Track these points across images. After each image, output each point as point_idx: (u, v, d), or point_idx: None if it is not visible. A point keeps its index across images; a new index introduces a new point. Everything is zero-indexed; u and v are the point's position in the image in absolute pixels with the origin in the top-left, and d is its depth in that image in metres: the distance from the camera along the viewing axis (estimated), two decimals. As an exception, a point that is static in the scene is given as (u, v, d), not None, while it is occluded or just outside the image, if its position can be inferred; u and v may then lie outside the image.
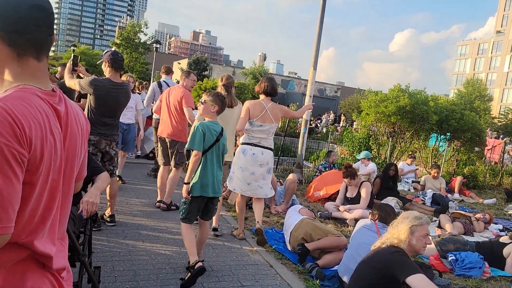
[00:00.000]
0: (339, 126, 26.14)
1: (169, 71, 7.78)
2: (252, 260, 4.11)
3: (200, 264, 3.33)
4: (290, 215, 4.82)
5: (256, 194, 4.71)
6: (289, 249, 4.46)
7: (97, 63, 4.41)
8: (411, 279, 2.57)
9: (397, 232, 2.87)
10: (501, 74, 69.33)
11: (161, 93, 6.74)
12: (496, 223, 6.81)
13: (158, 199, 5.53)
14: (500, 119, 49.15)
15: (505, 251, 4.72)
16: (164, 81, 7.44)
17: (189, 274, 3.30)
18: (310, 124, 18.31)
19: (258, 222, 4.66)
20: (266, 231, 5.02)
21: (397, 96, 10.29)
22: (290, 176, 6.44)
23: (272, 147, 4.76)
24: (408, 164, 10.09)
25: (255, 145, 4.61)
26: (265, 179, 4.72)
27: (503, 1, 73.42)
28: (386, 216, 3.77)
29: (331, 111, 33.45)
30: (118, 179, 5.82)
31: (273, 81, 4.77)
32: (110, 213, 4.54)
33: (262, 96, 4.71)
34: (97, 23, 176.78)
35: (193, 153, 3.45)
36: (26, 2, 1.03)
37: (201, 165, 3.50)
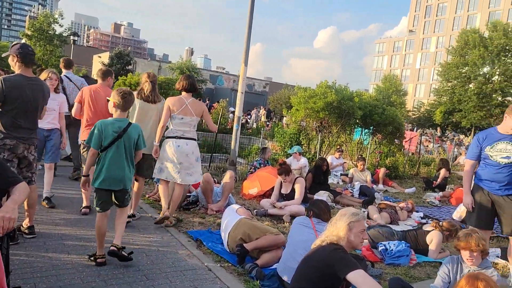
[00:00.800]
0: (269, 122, 26.56)
1: (69, 65, 7.05)
2: (189, 265, 3.96)
3: (101, 260, 3.64)
4: (227, 215, 4.73)
5: (186, 181, 5.10)
6: (228, 250, 4.37)
7: (2, 56, 3.92)
8: (351, 276, 2.60)
9: (336, 230, 2.91)
10: (414, 71, 75.34)
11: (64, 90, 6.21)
12: (417, 211, 7.32)
13: (84, 204, 5.15)
14: (414, 112, 53.43)
15: (428, 238, 5.06)
16: (65, 75, 6.73)
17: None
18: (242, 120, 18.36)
19: (168, 209, 5.00)
20: (203, 232, 4.89)
21: (325, 92, 10.64)
22: (228, 173, 6.33)
23: (196, 138, 5.18)
24: (337, 158, 10.51)
25: (179, 138, 4.97)
26: (194, 167, 5.11)
27: (414, 2, 79.67)
28: (321, 212, 3.84)
29: (261, 106, 33.90)
30: (46, 202, 5.23)
31: (192, 79, 5.19)
32: (28, 224, 4.10)
33: (183, 93, 5.09)
34: (3, 12, 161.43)
35: (90, 149, 3.70)
36: None
37: (101, 160, 3.69)
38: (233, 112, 18.26)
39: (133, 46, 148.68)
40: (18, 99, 3.68)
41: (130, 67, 42.35)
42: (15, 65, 3.78)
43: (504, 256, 5.08)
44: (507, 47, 40.40)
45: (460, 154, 17.89)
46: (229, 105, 24.41)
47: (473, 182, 4.53)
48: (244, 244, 4.09)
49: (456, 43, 44.41)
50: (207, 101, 26.61)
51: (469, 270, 3.27)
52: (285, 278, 3.57)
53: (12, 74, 3.84)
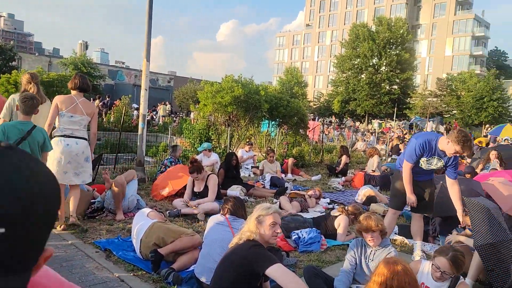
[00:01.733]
0: (176, 117, 25.97)
1: None
2: (99, 278, 3.66)
3: None
4: (138, 220, 4.47)
5: (73, 181, 4.90)
6: (141, 257, 4.14)
7: None
8: (269, 271, 2.62)
9: (248, 225, 2.91)
10: (312, 63, 79.64)
11: None
12: (324, 197, 7.73)
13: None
14: (315, 103, 56.60)
15: (336, 222, 5.36)
16: None
17: None
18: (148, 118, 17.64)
19: (72, 215, 4.79)
20: (112, 241, 4.57)
21: (232, 86, 10.68)
22: (118, 178, 5.70)
23: (86, 137, 5.03)
24: (247, 151, 10.64)
25: (68, 136, 4.81)
26: (83, 166, 4.93)
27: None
28: (235, 209, 3.83)
29: (166, 102, 33.00)
30: None
31: (85, 78, 5.06)
32: None
33: (74, 92, 4.93)
34: None
35: None
36: None
37: None
38: (137, 109, 17.46)
39: (17, 40, 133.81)
40: None
41: (14, 63, 38.16)
42: None
43: (401, 233, 5.60)
44: (391, 40, 44.73)
45: (357, 140, 19.41)
46: (132, 101, 23.31)
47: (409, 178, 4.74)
48: (159, 249, 3.90)
49: (348, 36, 47.97)
50: (107, 98, 24.99)
51: (371, 251, 3.52)
52: (203, 279, 3.48)
53: None
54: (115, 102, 21.33)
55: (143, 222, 4.34)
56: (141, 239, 4.14)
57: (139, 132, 8.12)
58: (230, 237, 3.35)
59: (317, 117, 43.71)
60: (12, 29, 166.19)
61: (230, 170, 7.75)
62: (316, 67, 79.16)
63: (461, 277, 3.10)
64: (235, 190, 7.10)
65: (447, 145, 4.23)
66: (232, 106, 10.63)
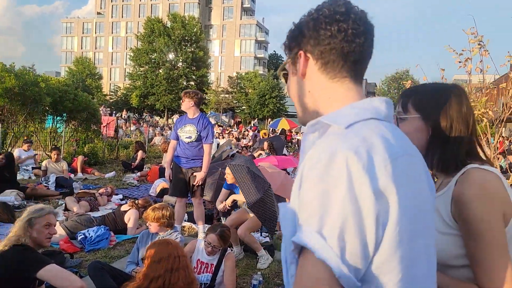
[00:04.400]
0: None
1: None
2: None
3: None
4: None
5: None
6: None
7: None
8: (42, 273, 2.51)
9: (16, 229, 2.71)
10: (107, 54, 75.34)
11: None
12: (117, 194, 7.57)
13: None
14: (111, 96, 53.97)
15: (126, 217, 5.37)
16: None
17: None
18: None
19: None
20: None
21: (2, 76, 9.23)
22: None
23: None
24: (26, 150, 9.41)
25: None
26: None
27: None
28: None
29: None
30: None
31: None
32: None
33: None
34: None
35: None
36: None
37: None
38: None
39: None
40: None
41: None
42: None
43: (189, 219, 6.00)
44: (186, 37, 46.43)
45: (156, 135, 19.55)
46: None
47: None
48: None
49: (144, 30, 47.44)
50: None
51: (159, 237, 3.71)
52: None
53: None
54: None
55: None
56: None
57: None
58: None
59: (114, 112, 41.87)
60: None
61: (1, 173, 6.75)
62: (111, 59, 75.28)
63: (229, 248, 3.60)
64: (9, 195, 6.24)
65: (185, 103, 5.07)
66: (4, 99, 9.20)
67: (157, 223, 3.55)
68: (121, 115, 32.80)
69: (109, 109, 42.26)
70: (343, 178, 0.71)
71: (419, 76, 47.11)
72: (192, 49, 46.82)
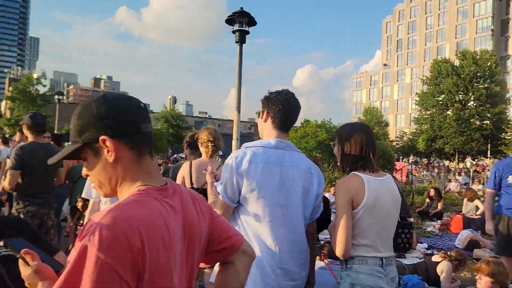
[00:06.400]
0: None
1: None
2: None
3: None
4: None
5: None
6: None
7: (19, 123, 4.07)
8: None
9: None
10: (392, 102, 77.60)
11: None
12: (421, 242, 7.40)
13: None
14: (397, 142, 54.53)
15: (438, 269, 5.13)
16: None
17: None
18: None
19: None
20: None
21: (315, 131, 10.95)
22: None
23: None
24: (333, 194, 10.64)
25: None
26: None
27: (385, 39, 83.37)
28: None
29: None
30: None
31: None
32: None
33: None
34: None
35: None
36: (135, 103, 1.07)
37: None
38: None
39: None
40: (34, 166, 3.75)
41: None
42: (28, 134, 3.89)
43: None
44: (477, 74, 42.29)
45: (450, 181, 18.25)
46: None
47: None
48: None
49: (430, 73, 46.29)
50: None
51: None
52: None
53: (26, 143, 3.94)
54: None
55: None
56: None
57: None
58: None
59: (401, 157, 41.97)
60: (110, 89, 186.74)
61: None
62: (396, 106, 76.93)
63: None
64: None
65: None
66: (317, 151, 10.84)
67: (491, 279, 3.23)
68: (408, 160, 32.48)
69: (396, 154, 42.73)
70: (230, 161, 2.02)
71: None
72: (486, 85, 42.03)
